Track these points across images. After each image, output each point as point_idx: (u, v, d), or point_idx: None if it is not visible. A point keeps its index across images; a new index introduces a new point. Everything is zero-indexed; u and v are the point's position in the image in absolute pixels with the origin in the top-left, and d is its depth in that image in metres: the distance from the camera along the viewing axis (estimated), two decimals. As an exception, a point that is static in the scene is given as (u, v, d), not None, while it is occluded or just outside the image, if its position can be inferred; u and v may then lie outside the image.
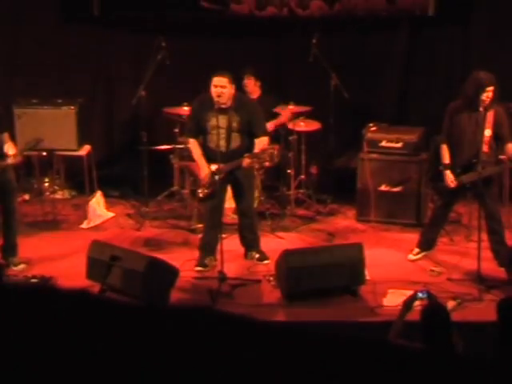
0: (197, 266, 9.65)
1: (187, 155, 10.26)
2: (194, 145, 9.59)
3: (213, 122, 9.38)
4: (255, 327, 2.75)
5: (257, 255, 9.88)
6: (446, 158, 9.37)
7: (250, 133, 9.56)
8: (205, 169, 9.42)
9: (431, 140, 10.16)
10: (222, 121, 9.36)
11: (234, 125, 9.43)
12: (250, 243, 9.93)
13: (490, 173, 9.40)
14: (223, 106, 9.31)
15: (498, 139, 9.28)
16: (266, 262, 9.75)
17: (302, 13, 11.86)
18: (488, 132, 9.19)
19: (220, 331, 2.58)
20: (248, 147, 9.56)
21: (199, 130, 9.54)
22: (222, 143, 9.40)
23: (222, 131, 9.37)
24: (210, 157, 9.43)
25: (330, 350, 2.67)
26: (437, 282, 9.28)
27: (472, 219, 10.07)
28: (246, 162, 9.40)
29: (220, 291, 9.07)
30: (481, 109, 9.10)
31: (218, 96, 9.25)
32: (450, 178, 9.28)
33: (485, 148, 9.21)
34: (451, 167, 9.31)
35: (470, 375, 2.82)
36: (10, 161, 9.45)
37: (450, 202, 9.75)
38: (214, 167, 9.35)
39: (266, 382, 2.46)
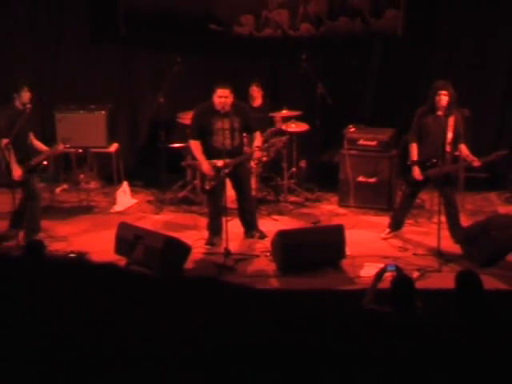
0: (206, 244, 9.68)
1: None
2: (196, 145, 9.52)
3: (218, 124, 9.40)
4: (254, 294, 2.78)
5: (257, 234, 9.91)
6: (415, 155, 9.42)
7: (244, 131, 9.66)
8: (206, 164, 9.39)
9: (400, 139, 10.19)
10: (226, 123, 9.40)
11: (236, 125, 9.48)
12: (251, 224, 9.95)
13: (451, 169, 9.45)
14: (225, 111, 9.34)
15: (454, 140, 9.34)
16: (265, 239, 9.76)
17: (294, 34, 11.84)
18: (450, 135, 9.25)
19: (225, 297, 2.61)
20: (243, 143, 9.70)
21: (201, 134, 9.50)
22: (228, 142, 9.45)
23: (227, 132, 9.42)
24: (215, 155, 9.42)
25: (315, 312, 2.69)
26: (404, 256, 9.32)
27: (433, 205, 10.08)
28: (257, 153, 9.78)
29: (225, 264, 9.10)
30: (439, 112, 9.17)
31: (223, 104, 9.29)
32: (417, 172, 9.34)
33: (448, 148, 9.28)
34: (419, 163, 9.37)
35: (430, 333, 2.85)
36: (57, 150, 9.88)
37: (416, 191, 9.79)
38: (219, 163, 9.37)
39: (264, 336, 2.49)
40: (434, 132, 9.30)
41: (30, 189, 9.60)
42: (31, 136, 9.73)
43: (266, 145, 10.37)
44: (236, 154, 9.50)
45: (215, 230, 9.68)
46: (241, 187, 9.77)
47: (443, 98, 9.17)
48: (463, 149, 9.31)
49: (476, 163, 9.21)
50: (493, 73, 11.61)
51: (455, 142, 9.33)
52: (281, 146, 11.03)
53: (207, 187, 9.53)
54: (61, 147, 9.86)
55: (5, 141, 9.28)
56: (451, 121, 9.26)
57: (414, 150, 9.45)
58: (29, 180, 9.55)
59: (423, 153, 9.40)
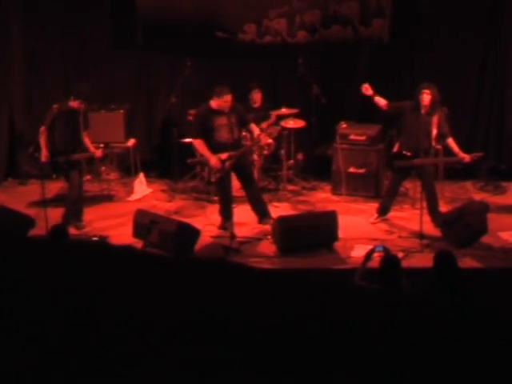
0: (219, 228, 9.63)
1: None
2: (200, 143, 9.41)
3: (218, 121, 9.38)
4: (255, 273, 2.77)
5: (271, 220, 9.54)
6: (381, 101, 9.68)
7: (241, 126, 9.66)
8: (213, 158, 9.34)
9: (386, 134, 10.20)
10: (224, 120, 9.39)
11: (233, 121, 9.44)
12: (263, 212, 9.73)
13: (444, 162, 9.55)
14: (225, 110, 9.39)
15: (440, 135, 9.36)
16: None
17: (291, 40, 11.82)
18: (434, 131, 9.30)
19: (231, 276, 2.59)
20: (241, 137, 9.80)
21: (204, 132, 9.42)
22: (229, 135, 9.42)
23: (227, 127, 9.40)
24: (219, 149, 9.37)
25: (311, 290, 2.67)
26: (390, 238, 9.31)
27: (416, 193, 10.06)
28: (264, 138, 9.86)
29: (231, 246, 9.09)
30: (422, 110, 9.22)
31: (227, 107, 9.33)
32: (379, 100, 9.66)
33: (433, 143, 9.33)
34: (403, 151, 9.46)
35: (413, 306, 2.84)
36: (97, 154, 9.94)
37: (400, 179, 9.79)
38: (223, 156, 9.35)
39: (265, 312, 2.47)
40: (416, 127, 9.29)
41: (68, 179, 9.73)
42: (84, 134, 9.81)
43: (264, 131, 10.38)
44: (237, 147, 9.50)
45: (227, 216, 9.62)
46: (244, 177, 9.73)
47: (426, 97, 9.23)
48: (453, 144, 9.38)
49: (467, 159, 9.30)
50: (467, 73, 11.63)
51: (443, 138, 9.39)
52: (277, 134, 11.01)
53: (213, 180, 9.56)
54: (99, 153, 9.93)
55: (42, 128, 9.51)
56: (435, 119, 9.30)
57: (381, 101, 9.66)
58: (69, 172, 9.65)
59: (408, 145, 9.41)
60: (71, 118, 9.60)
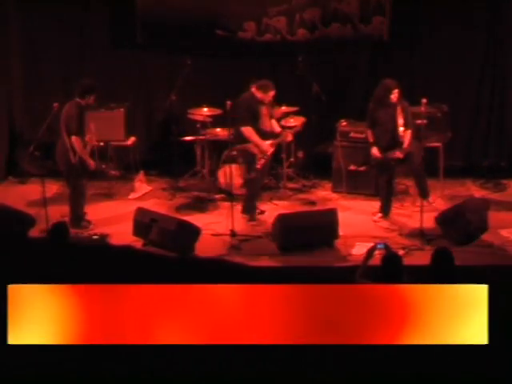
0: (249, 221, 9.84)
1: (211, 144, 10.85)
2: (250, 130, 9.66)
3: (262, 111, 9.76)
4: (252, 271, 2.76)
5: (257, 210, 10.11)
6: (371, 137, 9.77)
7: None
8: (265, 143, 9.73)
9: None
10: (266, 110, 9.80)
11: (271, 112, 9.91)
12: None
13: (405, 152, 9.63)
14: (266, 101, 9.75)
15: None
16: (264, 213, 10.10)
17: (291, 38, 11.79)
18: (401, 120, 9.52)
19: (229, 275, 2.59)
20: None
21: (252, 119, 9.67)
22: (268, 125, 9.86)
23: (268, 117, 9.85)
24: (262, 137, 9.73)
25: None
26: (391, 236, 9.32)
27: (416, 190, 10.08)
28: (289, 136, 10.22)
29: (232, 244, 9.09)
30: (389, 106, 9.54)
31: (269, 100, 9.80)
32: (375, 151, 9.71)
33: (400, 131, 9.53)
34: (376, 145, 9.71)
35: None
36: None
37: (388, 177, 9.83)
38: (267, 143, 9.76)
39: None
40: (385, 122, 9.56)
41: (81, 178, 9.69)
42: None
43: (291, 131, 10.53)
44: (273, 137, 9.88)
45: (252, 208, 9.90)
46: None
47: (396, 96, 9.50)
48: (407, 135, 9.57)
49: (398, 155, 9.58)
50: (467, 70, 11.61)
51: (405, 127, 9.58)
52: (299, 130, 10.88)
53: (258, 166, 9.72)
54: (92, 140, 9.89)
55: (73, 137, 9.43)
56: (399, 109, 9.52)
57: (369, 135, 9.81)
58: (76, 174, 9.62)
59: (381, 139, 9.68)
60: (84, 116, 9.65)
